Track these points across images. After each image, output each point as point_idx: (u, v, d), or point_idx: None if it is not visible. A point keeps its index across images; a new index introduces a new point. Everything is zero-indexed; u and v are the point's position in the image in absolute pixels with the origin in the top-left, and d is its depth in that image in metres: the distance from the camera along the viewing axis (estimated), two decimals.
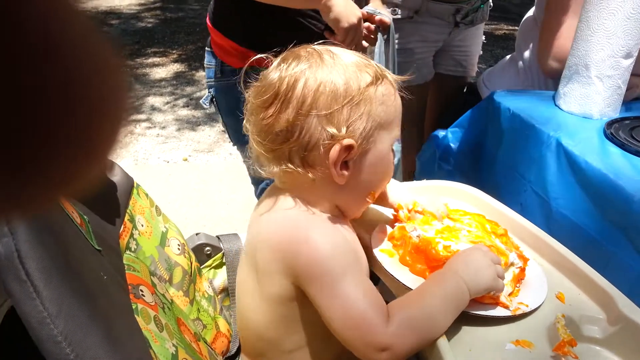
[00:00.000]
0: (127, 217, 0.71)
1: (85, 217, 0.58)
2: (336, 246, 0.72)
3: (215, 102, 1.45)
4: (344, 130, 0.70)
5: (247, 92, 0.77)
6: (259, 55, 0.79)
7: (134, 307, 0.58)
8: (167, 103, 3.96)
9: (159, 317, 0.60)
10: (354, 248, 0.77)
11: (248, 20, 1.31)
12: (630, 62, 1.21)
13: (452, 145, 1.51)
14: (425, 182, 1.11)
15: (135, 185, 0.78)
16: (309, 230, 0.72)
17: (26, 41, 0.17)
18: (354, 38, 1.25)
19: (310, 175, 0.73)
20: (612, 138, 1.14)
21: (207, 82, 1.46)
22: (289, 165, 0.72)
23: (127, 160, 3.12)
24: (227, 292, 0.93)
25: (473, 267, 0.72)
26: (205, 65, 1.46)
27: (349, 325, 0.67)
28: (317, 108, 0.69)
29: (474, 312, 0.73)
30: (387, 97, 0.73)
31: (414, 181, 1.13)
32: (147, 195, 0.80)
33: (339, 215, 0.80)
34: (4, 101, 0.17)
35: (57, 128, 0.20)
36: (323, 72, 0.71)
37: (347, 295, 0.67)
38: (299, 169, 0.72)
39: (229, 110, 1.42)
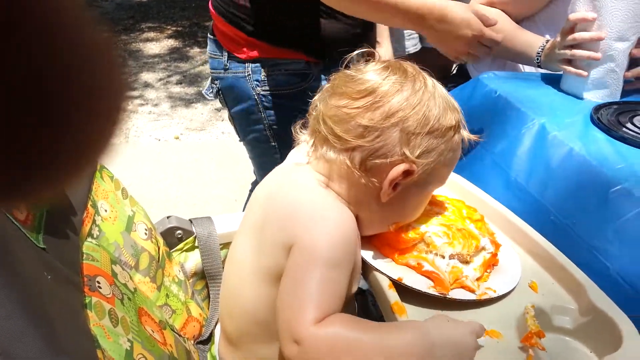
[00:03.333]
0: (89, 203, 0.69)
1: (39, 210, 0.56)
2: (346, 236, 0.70)
3: (221, 95, 1.38)
4: (416, 154, 0.71)
5: (334, 75, 0.76)
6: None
7: (87, 300, 0.56)
8: (160, 80, 3.91)
9: (114, 310, 0.59)
10: (356, 250, 0.74)
11: (256, 7, 1.24)
12: (626, 45, 1.18)
13: None
14: None
15: (99, 168, 0.76)
16: (331, 211, 0.72)
17: (24, 22, 0.17)
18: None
19: (362, 180, 0.72)
20: (597, 123, 1.12)
21: (212, 73, 1.37)
22: (347, 160, 0.72)
23: (118, 138, 3.10)
24: (199, 276, 0.91)
25: (450, 352, 0.63)
26: (209, 55, 1.38)
27: (286, 303, 0.65)
28: (404, 124, 0.70)
29: (436, 294, 0.72)
30: (457, 147, 0.76)
31: None
32: (112, 178, 0.79)
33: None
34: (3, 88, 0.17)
35: (58, 116, 0.19)
36: (425, 96, 0.72)
37: (310, 280, 0.65)
38: (355, 168, 0.72)
39: (237, 103, 1.35)
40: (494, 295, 0.74)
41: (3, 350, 0.40)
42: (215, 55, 1.34)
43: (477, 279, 0.75)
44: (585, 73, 1.21)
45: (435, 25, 1.15)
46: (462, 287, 0.74)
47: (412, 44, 1.69)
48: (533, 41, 1.38)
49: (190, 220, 0.91)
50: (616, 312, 0.70)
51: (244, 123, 1.37)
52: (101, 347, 0.53)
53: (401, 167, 0.70)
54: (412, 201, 0.77)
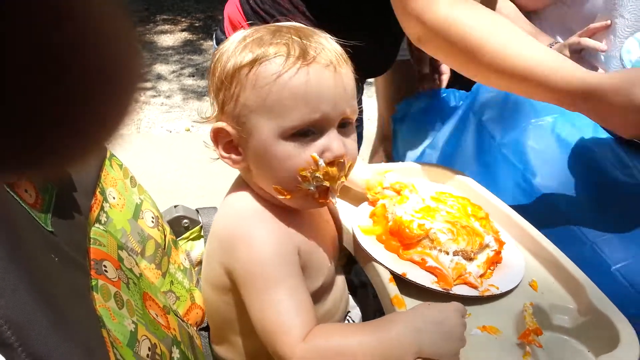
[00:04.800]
0: (98, 190, 0.71)
1: (49, 193, 0.58)
2: (277, 250, 0.68)
3: None
4: (219, 112, 0.69)
5: None
6: None
7: (93, 283, 0.58)
8: (173, 72, 3.94)
9: (120, 293, 0.61)
10: (303, 248, 0.72)
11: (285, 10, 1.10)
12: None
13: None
14: (400, 164, 1.09)
15: (108, 155, 0.77)
16: (252, 228, 0.69)
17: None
18: None
19: (231, 163, 0.72)
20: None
21: None
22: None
23: (129, 128, 3.14)
24: None
25: (438, 333, 0.62)
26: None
27: (266, 332, 0.64)
28: (211, 86, 0.70)
29: (439, 289, 0.73)
30: (262, 80, 0.65)
31: (388, 163, 1.10)
32: (121, 166, 0.80)
33: (287, 207, 0.73)
34: (30, 67, 0.18)
35: (77, 94, 0.20)
36: (223, 49, 0.70)
37: (275, 304, 0.64)
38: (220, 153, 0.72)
39: None
40: (497, 292, 0.74)
41: (11, 324, 0.42)
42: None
43: (481, 276, 0.76)
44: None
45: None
46: (465, 283, 0.74)
47: None
48: (542, 42, 1.39)
49: (197, 210, 0.93)
50: (614, 313, 0.70)
51: None
52: (106, 327, 0.54)
53: (211, 129, 0.70)
54: (260, 157, 0.69)
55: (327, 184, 0.69)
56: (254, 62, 0.65)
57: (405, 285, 0.74)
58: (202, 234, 0.92)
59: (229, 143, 0.71)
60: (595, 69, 1.21)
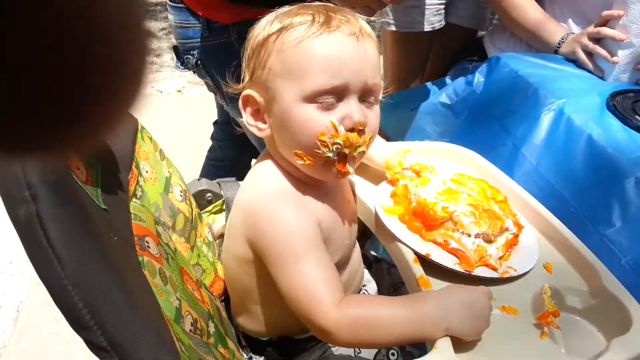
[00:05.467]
0: (133, 163, 0.71)
1: (95, 168, 0.58)
2: (301, 225, 0.70)
3: (201, 66, 1.28)
4: (248, 80, 0.73)
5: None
6: None
7: (140, 259, 0.59)
8: (163, 29, 3.82)
9: (163, 269, 0.62)
10: (324, 224, 0.74)
11: None
12: None
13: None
14: (421, 143, 1.10)
15: (140, 128, 0.77)
16: (277, 205, 0.71)
17: None
18: None
19: (257, 131, 0.74)
20: (613, 110, 1.15)
21: (185, 43, 1.25)
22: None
23: (149, 89, 3.06)
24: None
25: (467, 314, 0.66)
26: (177, 24, 1.25)
27: (299, 301, 0.67)
28: (244, 57, 0.73)
29: (462, 271, 0.76)
30: (286, 45, 0.67)
31: (407, 142, 1.11)
32: (151, 138, 0.80)
33: (311, 181, 0.76)
34: (45, 54, 0.18)
35: (91, 82, 0.21)
36: (259, 23, 0.73)
37: (303, 275, 0.67)
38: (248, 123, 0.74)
39: (222, 70, 1.29)
40: (515, 274, 0.78)
41: (90, 307, 0.43)
42: (188, 24, 1.24)
43: (500, 258, 0.79)
44: (617, 58, 1.24)
45: None
46: (486, 265, 0.78)
47: (437, 20, 1.69)
48: (556, 31, 1.41)
49: (219, 183, 0.93)
50: (626, 297, 0.74)
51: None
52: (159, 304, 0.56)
53: (240, 97, 0.73)
54: (284, 122, 0.70)
55: (346, 150, 0.70)
56: (281, 30, 0.68)
57: (428, 265, 0.77)
58: (223, 207, 0.93)
59: (256, 111, 0.73)
60: (613, 55, 1.24)
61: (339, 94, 0.68)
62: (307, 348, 0.84)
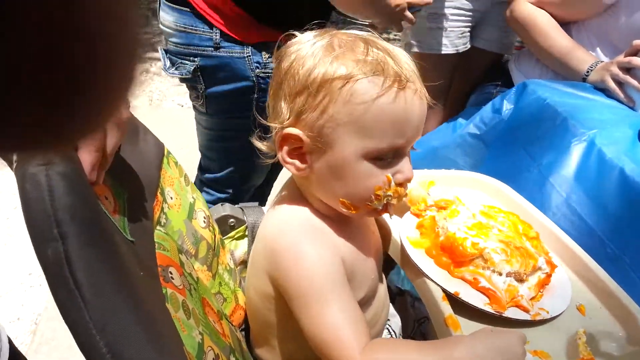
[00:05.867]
0: (158, 190, 0.70)
1: (122, 197, 0.57)
2: (325, 263, 0.67)
3: (199, 74, 1.24)
4: (293, 117, 0.66)
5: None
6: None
7: (164, 292, 0.57)
8: None
9: (186, 302, 0.60)
10: (349, 260, 0.72)
11: None
12: None
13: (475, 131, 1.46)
14: (444, 172, 1.08)
15: (166, 153, 0.76)
16: (301, 245, 0.69)
17: None
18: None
19: (288, 166, 0.70)
20: None
21: (189, 49, 1.21)
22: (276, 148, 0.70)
23: (142, 100, 3.09)
24: (246, 264, 0.93)
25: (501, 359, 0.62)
26: (177, 27, 1.20)
27: (323, 344, 0.64)
28: (285, 88, 0.66)
29: (492, 312, 0.73)
30: (358, 98, 0.63)
31: (432, 170, 1.09)
32: (176, 163, 0.79)
33: (337, 217, 0.73)
34: (41, 40, 0.18)
35: (84, 64, 0.20)
36: (301, 52, 0.66)
37: (328, 317, 0.64)
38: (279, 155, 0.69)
39: (228, 83, 1.24)
40: (547, 316, 0.75)
41: (114, 352, 0.42)
42: (194, 30, 1.19)
43: (531, 299, 0.76)
44: None
45: None
46: (517, 306, 0.75)
47: (462, 43, 1.67)
48: (585, 59, 1.38)
49: (242, 208, 0.92)
50: None
51: (230, 103, 1.27)
52: (182, 341, 0.54)
53: (280, 133, 0.67)
54: (336, 172, 0.68)
55: (394, 202, 0.70)
56: (349, 77, 0.63)
57: (456, 303, 0.75)
58: (246, 233, 0.91)
59: (296, 149, 0.69)
60: None
61: (398, 151, 0.68)
62: None
